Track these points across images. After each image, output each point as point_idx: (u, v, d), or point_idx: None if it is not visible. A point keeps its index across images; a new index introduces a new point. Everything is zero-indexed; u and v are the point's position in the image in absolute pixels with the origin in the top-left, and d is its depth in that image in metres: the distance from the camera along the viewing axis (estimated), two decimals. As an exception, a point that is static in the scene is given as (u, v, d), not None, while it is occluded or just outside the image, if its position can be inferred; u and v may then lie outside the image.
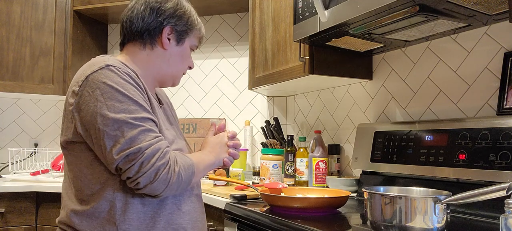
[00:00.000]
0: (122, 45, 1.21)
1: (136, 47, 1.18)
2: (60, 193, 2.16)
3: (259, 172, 2.10)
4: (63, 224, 1.08)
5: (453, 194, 1.01)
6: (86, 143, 1.01)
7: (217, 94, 2.81)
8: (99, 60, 1.04)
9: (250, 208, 1.44)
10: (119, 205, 1.01)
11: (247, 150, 2.55)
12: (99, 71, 1.00)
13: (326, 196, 1.48)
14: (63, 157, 1.09)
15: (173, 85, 1.26)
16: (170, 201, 1.08)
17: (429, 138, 1.48)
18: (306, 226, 1.14)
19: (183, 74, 1.27)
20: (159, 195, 1.02)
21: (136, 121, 0.99)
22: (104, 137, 0.96)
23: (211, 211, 1.74)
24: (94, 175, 1.02)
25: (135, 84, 1.03)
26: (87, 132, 0.99)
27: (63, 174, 1.13)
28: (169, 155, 1.03)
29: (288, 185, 1.99)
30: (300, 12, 1.61)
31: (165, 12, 1.16)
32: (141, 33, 1.16)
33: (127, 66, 1.06)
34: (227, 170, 2.30)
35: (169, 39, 1.18)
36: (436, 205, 1.02)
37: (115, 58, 1.08)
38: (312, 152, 1.98)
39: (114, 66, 1.01)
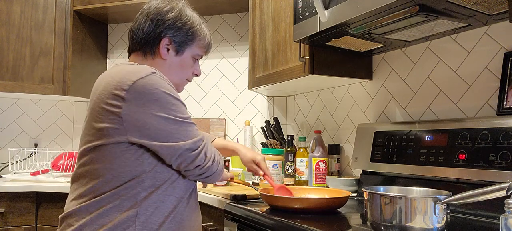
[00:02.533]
0: (129, 53, 1.29)
1: (139, 57, 1.25)
2: (60, 193, 2.20)
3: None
4: (71, 216, 1.10)
5: (453, 194, 1.01)
6: (126, 143, 1.08)
7: (217, 94, 2.81)
8: (141, 67, 1.11)
9: (250, 208, 1.44)
10: (143, 194, 1.09)
11: (247, 150, 2.55)
12: (148, 78, 1.08)
13: (326, 196, 1.48)
14: (87, 152, 1.12)
15: (178, 91, 1.31)
16: (185, 196, 1.18)
17: (429, 138, 1.48)
18: (306, 226, 1.14)
19: (189, 81, 1.33)
20: (212, 176, 1.19)
21: (188, 119, 1.14)
22: (168, 136, 1.08)
23: (211, 211, 1.74)
24: (127, 169, 1.09)
25: (175, 89, 1.15)
26: (142, 133, 1.07)
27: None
28: None
29: (288, 185, 1.99)
30: (300, 12, 1.61)
31: (165, 23, 1.22)
32: (141, 44, 1.23)
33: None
34: (227, 169, 2.30)
35: (168, 50, 1.24)
36: (436, 205, 1.02)
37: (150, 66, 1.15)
38: (312, 152, 1.98)
39: (157, 73, 1.11)
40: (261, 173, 1.57)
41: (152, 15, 1.22)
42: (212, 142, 1.56)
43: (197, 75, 1.34)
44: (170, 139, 1.09)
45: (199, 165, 1.13)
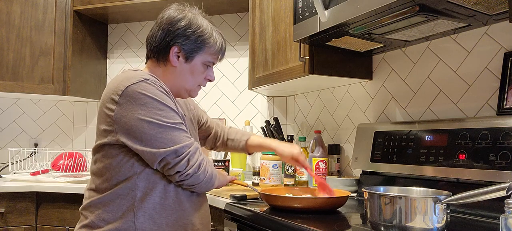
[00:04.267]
0: (147, 59, 1.35)
1: (153, 63, 1.31)
2: (60, 193, 2.20)
3: (259, 172, 2.10)
4: (85, 210, 1.20)
5: (453, 194, 1.01)
6: (118, 145, 1.14)
7: (217, 94, 2.81)
8: (136, 74, 1.17)
9: (250, 208, 1.45)
10: (139, 195, 1.15)
11: (247, 150, 2.55)
12: (138, 84, 1.14)
13: (326, 196, 1.48)
14: (94, 152, 1.21)
15: (191, 96, 1.37)
16: (184, 198, 1.21)
17: (429, 138, 1.48)
18: (306, 226, 1.14)
19: (202, 86, 1.36)
20: (198, 185, 1.19)
21: (175, 125, 1.16)
22: (151, 139, 1.12)
23: (211, 211, 1.73)
24: (121, 170, 1.15)
25: (168, 96, 1.18)
26: (129, 135, 1.13)
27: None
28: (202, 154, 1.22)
29: (287, 185, 1.99)
30: (300, 12, 1.61)
31: (174, 32, 1.26)
32: (154, 51, 1.29)
33: (159, 80, 1.20)
34: (227, 170, 2.30)
35: (178, 57, 1.28)
36: (436, 205, 1.02)
37: (147, 73, 1.21)
38: (312, 152, 1.98)
39: (149, 80, 1.16)
40: (302, 167, 1.57)
41: (164, 25, 1.27)
42: (248, 140, 1.59)
43: (210, 80, 1.37)
44: (153, 143, 1.12)
45: (179, 171, 1.14)
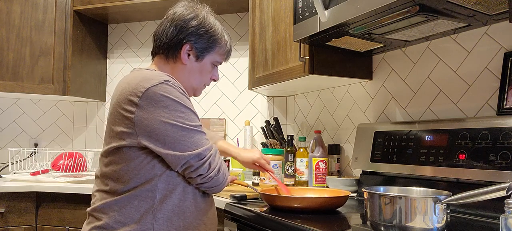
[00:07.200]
0: (153, 56, 1.34)
1: (162, 60, 1.30)
2: (60, 193, 2.20)
3: (259, 172, 2.10)
4: (97, 211, 1.16)
5: (453, 194, 1.01)
6: (138, 147, 1.12)
7: (217, 94, 2.81)
8: (154, 75, 1.14)
9: (250, 208, 1.44)
10: (159, 197, 1.13)
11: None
12: (159, 86, 1.12)
13: (326, 196, 1.48)
14: (107, 154, 1.17)
15: (195, 95, 1.37)
16: (200, 199, 1.21)
17: (429, 138, 1.48)
18: (306, 226, 1.14)
19: (206, 85, 1.37)
20: (217, 187, 1.19)
21: (197, 128, 1.15)
22: (175, 142, 1.11)
23: (211, 211, 1.74)
24: (140, 172, 1.13)
25: (187, 97, 1.18)
26: (152, 138, 1.11)
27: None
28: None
29: (288, 185, 1.99)
30: (300, 12, 1.61)
31: (188, 30, 1.26)
32: (164, 48, 1.28)
33: (177, 81, 1.19)
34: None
35: (189, 55, 1.28)
36: (436, 205, 1.02)
37: (164, 73, 1.18)
38: (312, 152, 1.98)
39: (169, 81, 1.14)
40: (264, 170, 1.60)
41: (176, 21, 1.26)
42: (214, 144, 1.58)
43: (215, 80, 1.38)
44: (176, 145, 1.11)
45: (201, 174, 1.14)
